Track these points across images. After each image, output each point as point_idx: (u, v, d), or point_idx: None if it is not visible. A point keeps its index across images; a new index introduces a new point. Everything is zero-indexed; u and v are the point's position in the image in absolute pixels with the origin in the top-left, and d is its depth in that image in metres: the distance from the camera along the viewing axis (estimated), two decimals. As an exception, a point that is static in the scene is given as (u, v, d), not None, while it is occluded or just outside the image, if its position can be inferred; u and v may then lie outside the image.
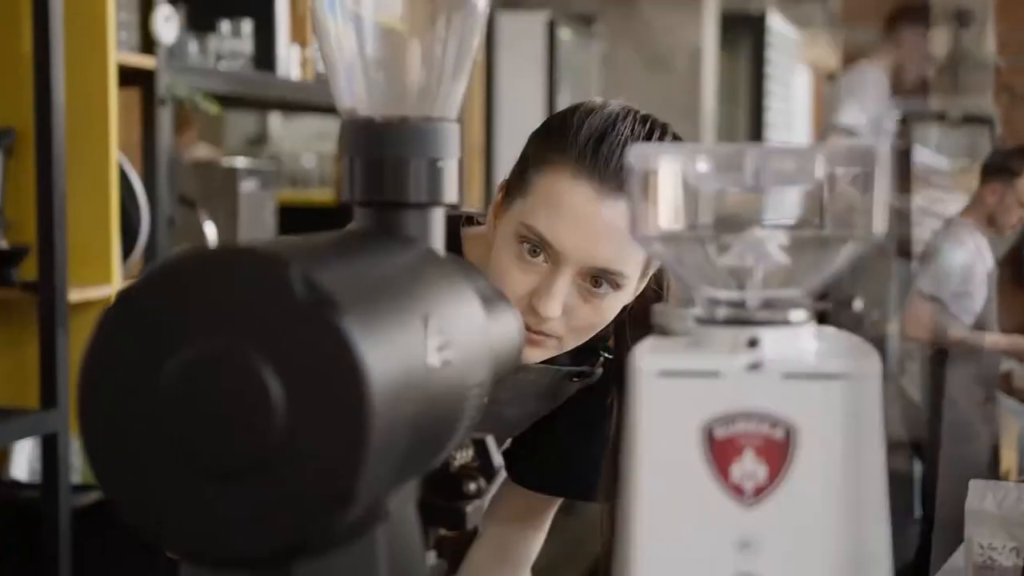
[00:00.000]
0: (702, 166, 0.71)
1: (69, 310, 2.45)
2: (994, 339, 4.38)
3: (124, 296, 0.65)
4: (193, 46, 3.03)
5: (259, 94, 3.28)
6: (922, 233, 4.46)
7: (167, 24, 2.70)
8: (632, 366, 0.70)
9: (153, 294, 0.65)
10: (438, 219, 0.83)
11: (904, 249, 4.72)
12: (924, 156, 4.46)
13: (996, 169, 4.23)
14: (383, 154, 0.81)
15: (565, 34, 5.35)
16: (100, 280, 2.55)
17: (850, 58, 9.84)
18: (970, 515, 1.86)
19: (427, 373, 0.69)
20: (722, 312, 0.72)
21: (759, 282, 0.72)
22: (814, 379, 0.68)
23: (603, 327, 1.32)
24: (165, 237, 2.78)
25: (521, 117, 4.91)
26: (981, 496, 1.86)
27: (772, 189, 0.73)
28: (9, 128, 2.49)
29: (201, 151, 4.12)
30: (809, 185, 0.70)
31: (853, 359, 0.69)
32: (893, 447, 4.31)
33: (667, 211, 0.73)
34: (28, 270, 2.46)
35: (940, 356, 4.30)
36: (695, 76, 5.63)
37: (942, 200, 4.37)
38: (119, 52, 2.61)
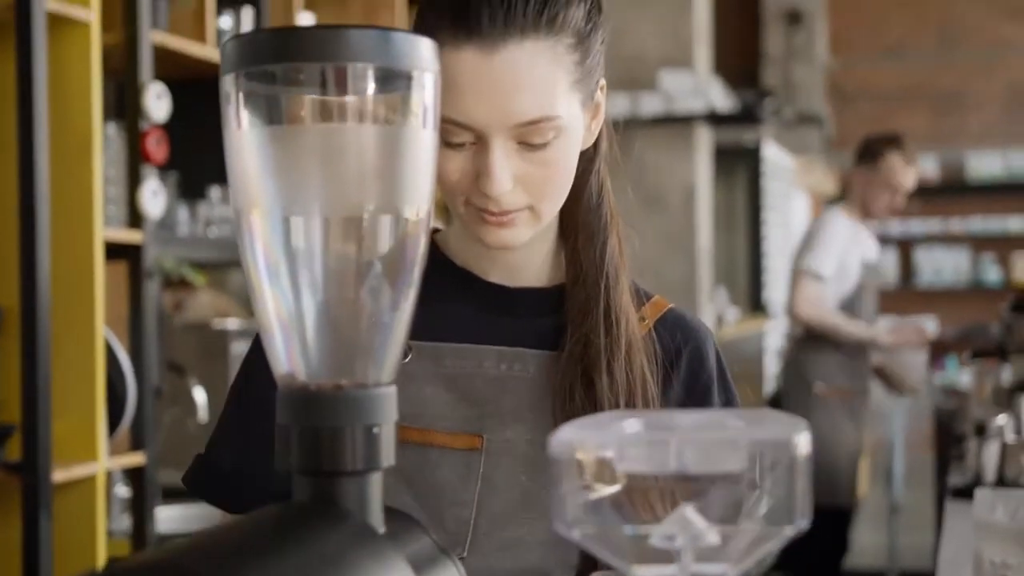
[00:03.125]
0: (628, 451, 0.71)
1: (53, 491, 2.43)
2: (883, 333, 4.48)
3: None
4: (183, 212, 3.06)
5: (248, 258, 3.29)
6: None
7: (154, 199, 2.73)
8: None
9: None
10: (375, 485, 0.82)
11: None
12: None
13: (861, 155, 4.48)
14: (319, 423, 0.81)
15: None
16: (85, 458, 2.54)
17: (847, 181, 9.96)
18: (979, 528, 1.68)
19: (352, 672, 0.68)
20: (653, 596, 0.71)
21: (689, 562, 0.71)
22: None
23: (568, 177, 1.21)
24: (152, 408, 2.77)
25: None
26: (990, 507, 1.69)
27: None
28: (-4, 306, 2.51)
29: (204, 299, 4.13)
30: (734, 471, 0.70)
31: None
32: None
33: (592, 492, 0.72)
34: (13, 450, 2.45)
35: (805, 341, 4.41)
36: (690, 212, 5.68)
37: None
38: (107, 228, 2.63)
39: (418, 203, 0.84)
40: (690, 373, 1.30)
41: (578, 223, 1.29)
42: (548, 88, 1.15)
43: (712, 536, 0.71)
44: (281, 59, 0.79)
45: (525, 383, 1.26)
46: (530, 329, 1.29)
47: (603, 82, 1.25)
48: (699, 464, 0.70)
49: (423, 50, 0.81)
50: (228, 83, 0.80)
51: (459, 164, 1.17)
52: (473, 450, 1.24)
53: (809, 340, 4.42)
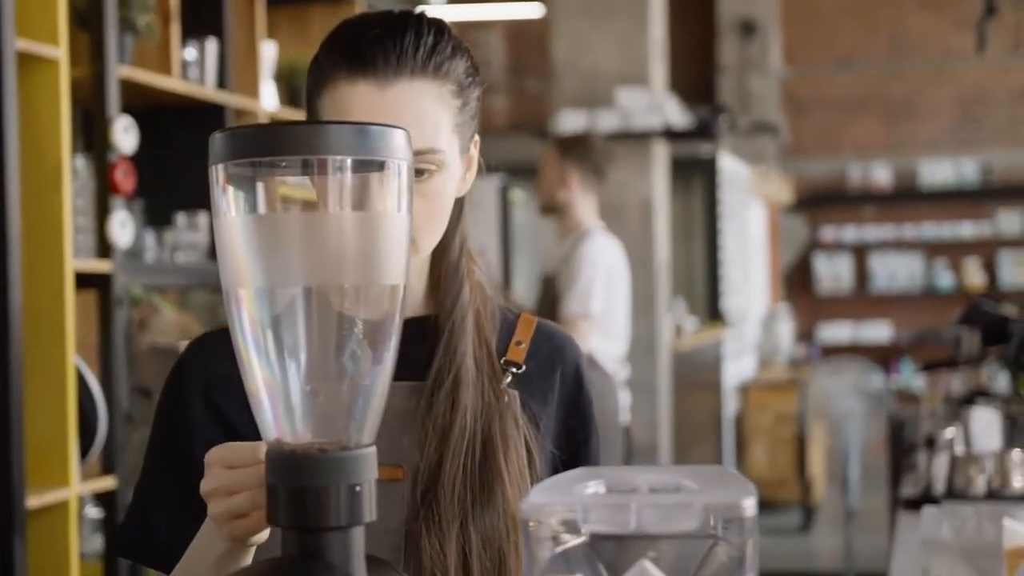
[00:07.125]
0: (592, 513, 0.78)
1: (27, 516, 2.48)
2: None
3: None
4: (151, 239, 3.11)
5: (215, 283, 3.35)
6: None
7: (123, 229, 2.78)
8: None
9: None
10: (358, 538, 0.89)
11: None
12: None
13: None
14: (305, 483, 0.88)
15: (518, 196, 5.49)
16: (58, 483, 2.59)
17: (802, 189, 10.09)
18: (927, 545, 1.73)
19: None
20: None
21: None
22: None
23: (446, 215, 1.28)
24: (123, 432, 2.82)
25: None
26: (936, 524, 1.73)
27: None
28: (-32, 336, 2.55)
29: (167, 318, 4.14)
30: (688, 530, 0.77)
31: None
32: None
33: (559, 547, 0.79)
34: (-14, 478, 2.50)
35: None
36: (648, 227, 5.76)
37: None
38: (76, 258, 2.68)
39: (394, 275, 0.91)
40: (568, 394, 1.38)
41: (441, 275, 1.34)
42: (433, 123, 1.25)
43: (668, 589, 0.79)
44: (265, 153, 0.86)
45: (407, 414, 1.28)
46: (405, 360, 1.25)
47: (478, 138, 1.34)
48: (657, 524, 0.78)
49: (396, 140, 0.88)
50: (216, 173, 0.87)
51: None
52: (395, 481, 1.25)
53: None
